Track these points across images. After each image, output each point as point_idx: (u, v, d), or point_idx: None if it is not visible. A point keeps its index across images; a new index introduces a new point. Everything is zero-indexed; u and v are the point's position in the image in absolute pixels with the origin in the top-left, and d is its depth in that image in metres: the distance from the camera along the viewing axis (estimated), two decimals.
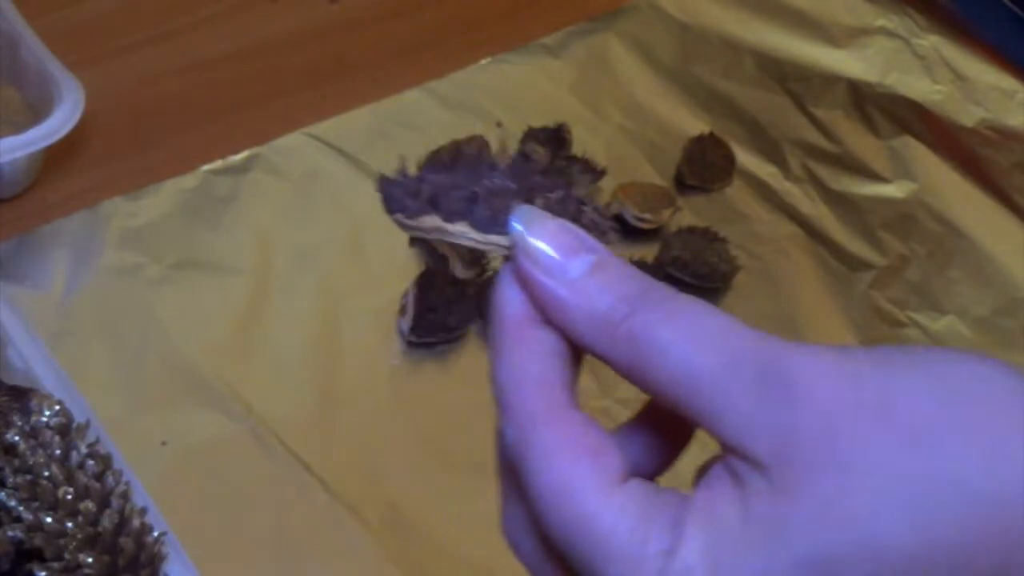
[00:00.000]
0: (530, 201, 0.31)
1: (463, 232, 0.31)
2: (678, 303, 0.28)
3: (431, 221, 0.32)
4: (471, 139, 0.78)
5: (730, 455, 0.28)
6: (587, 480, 0.28)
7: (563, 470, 0.28)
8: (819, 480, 0.26)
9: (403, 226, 0.32)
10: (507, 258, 0.31)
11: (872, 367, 0.27)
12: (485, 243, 0.31)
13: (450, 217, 0.31)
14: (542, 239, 0.30)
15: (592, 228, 0.32)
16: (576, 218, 0.32)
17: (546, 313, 0.30)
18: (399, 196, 0.32)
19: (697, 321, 0.28)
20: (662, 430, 0.32)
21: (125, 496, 0.53)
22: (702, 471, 0.30)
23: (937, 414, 0.26)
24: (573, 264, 0.30)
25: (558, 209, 0.32)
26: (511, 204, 0.31)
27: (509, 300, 0.31)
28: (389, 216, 0.33)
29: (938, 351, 0.28)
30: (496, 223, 0.31)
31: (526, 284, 0.30)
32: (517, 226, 0.31)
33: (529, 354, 0.30)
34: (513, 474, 0.30)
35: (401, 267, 0.73)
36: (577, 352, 0.31)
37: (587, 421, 0.29)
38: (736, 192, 0.81)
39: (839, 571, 0.25)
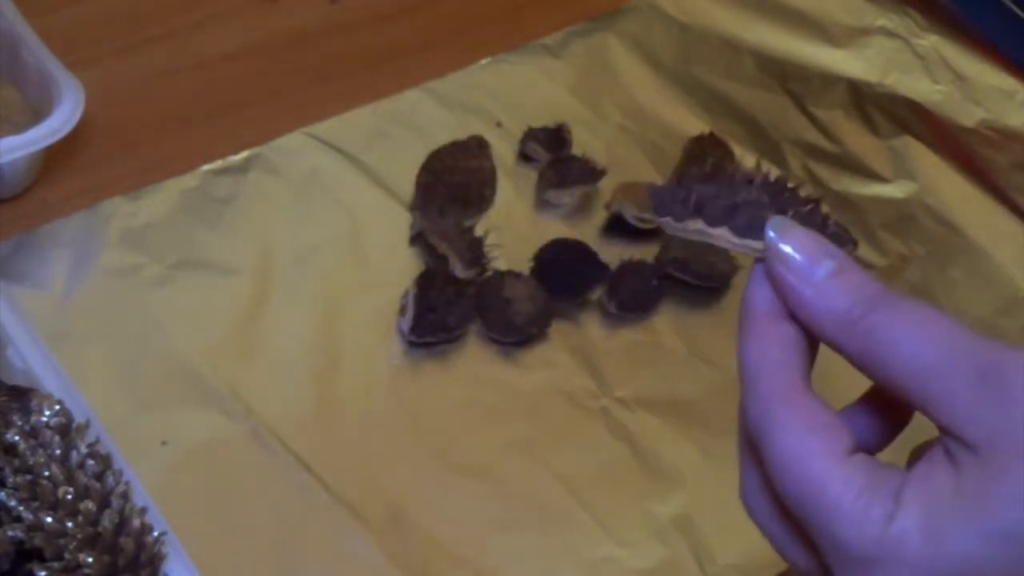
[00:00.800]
0: (782, 213, 0.37)
1: (724, 236, 0.37)
2: (909, 305, 0.33)
3: (695, 225, 0.37)
4: (471, 137, 0.78)
5: (947, 438, 0.32)
6: (819, 451, 0.33)
7: (800, 440, 0.33)
8: (1007, 475, 0.30)
9: (669, 228, 0.38)
10: (758, 260, 0.37)
11: None
12: (743, 247, 0.37)
13: (712, 223, 0.37)
14: (792, 245, 0.35)
15: (835, 239, 0.37)
16: (822, 229, 0.37)
17: (792, 309, 0.35)
18: (669, 203, 0.38)
19: (925, 321, 0.33)
20: (883, 413, 0.37)
21: (125, 496, 0.53)
22: (916, 453, 0.35)
23: None
24: (818, 268, 0.35)
25: (807, 221, 0.37)
26: (766, 214, 0.36)
27: (760, 296, 0.36)
28: (656, 220, 0.38)
29: None
30: (752, 230, 0.36)
31: (776, 283, 0.35)
32: (771, 233, 0.36)
33: (773, 343, 0.35)
34: (752, 447, 0.36)
35: (401, 267, 0.73)
36: (813, 344, 0.36)
37: (820, 402, 0.34)
38: None
39: None
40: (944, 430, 0.32)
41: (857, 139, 0.84)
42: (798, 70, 0.87)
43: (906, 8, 0.92)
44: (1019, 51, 0.88)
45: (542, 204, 0.78)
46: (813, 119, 0.85)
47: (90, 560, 0.50)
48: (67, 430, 0.54)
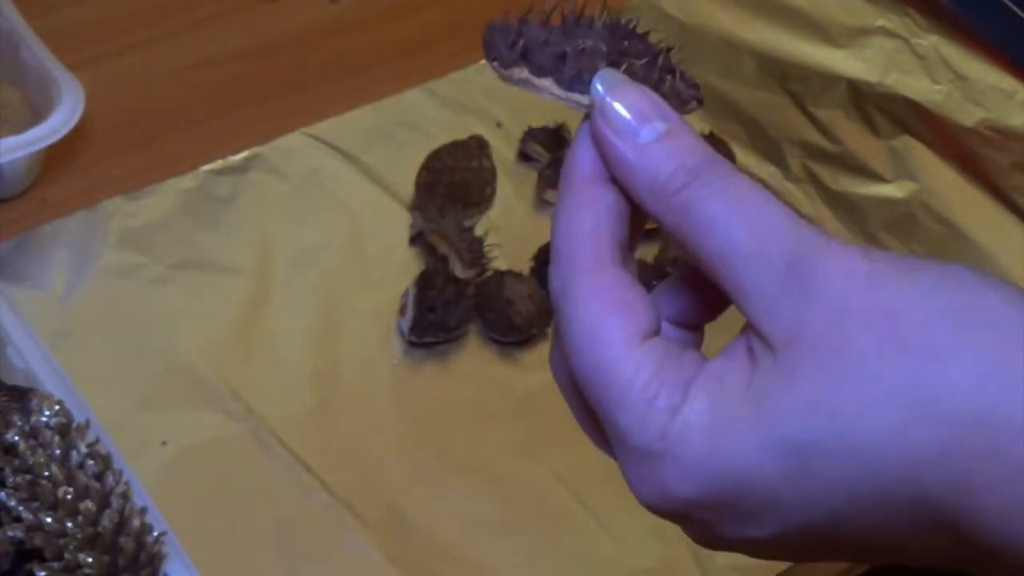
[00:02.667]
0: (616, 65, 0.33)
1: (548, 87, 0.33)
2: (733, 182, 0.30)
3: (520, 74, 0.34)
4: (471, 137, 0.79)
5: (751, 331, 0.29)
6: (614, 332, 0.30)
7: (593, 319, 0.31)
8: (817, 371, 0.27)
9: (498, 74, 0.34)
10: (587, 116, 0.33)
11: (892, 275, 0.28)
12: (567, 99, 0.33)
13: (539, 72, 0.33)
14: (619, 102, 0.32)
15: (672, 96, 0.33)
16: (657, 86, 0.33)
17: (613, 171, 0.32)
18: (498, 45, 0.34)
19: (745, 201, 0.30)
20: (703, 292, 0.34)
21: (125, 496, 0.53)
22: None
23: (941, 330, 0.27)
24: (645, 129, 0.31)
25: (641, 75, 0.33)
26: (597, 65, 0.33)
27: (581, 157, 0.33)
28: (488, 63, 0.34)
29: (961, 270, 0.28)
30: (580, 82, 0.33)
31: (598, 142, 0.32)
32: (598, 87, 0.32)
33: (588, 208, 0.32)
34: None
35: (401, 267, 0.73)
36: (639, 216, 0.33)
37: (627, 278, 0.32)
38: None
39: (813, 457, 0.27)
40: (749, 323, 0.29)
41: (857, 139, 0.84)
42: (798, 70, 0.87)
43: (906, 8, 0.91)
44: (1019, 51, 0.88)
45: (542, 204, 0.78)
46: (813, 119, 0.85)
47: (90, 560, 0.50)
48: (67, 430, 0.54)
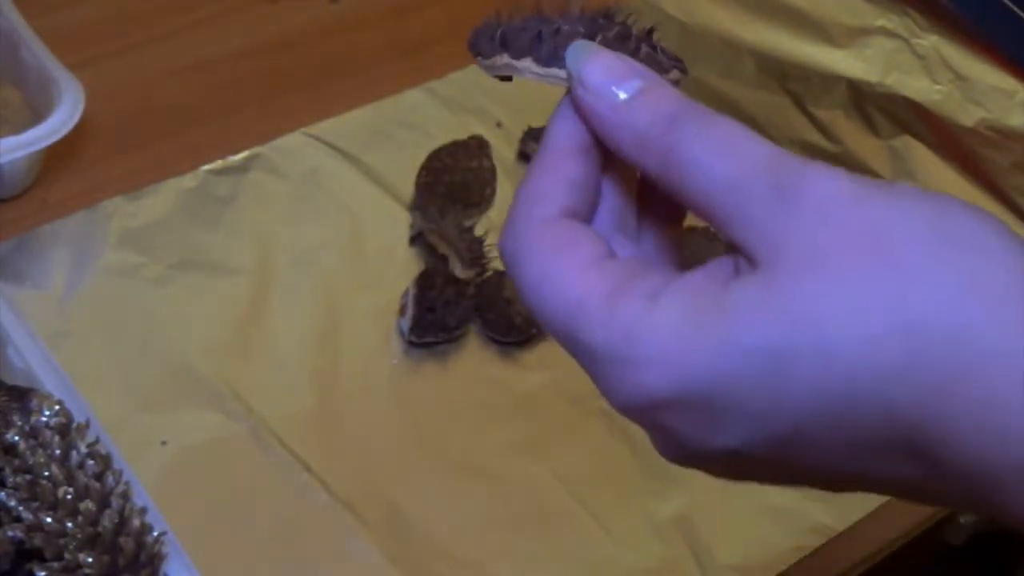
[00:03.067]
0: (590, 38, 0.34)
1: (527, 67, 0.34)
2: (712, 121, 0.30)
3: (501, 60, 0.35)
4: (471, 137, 0.79)
5: (737, 254, 0.30)
6: (565, 265, 0.31)
7: (545, 259, 0.31)
8: (799, 282, 0.28)
9: (483, 67, 0.36)
10: (568, 92, 0.34)
11: (880, 197, 0.28)
12: (546, 76, 0.34)
13: (518, 54, 0.35)
14: (594, 66, 0.32)
15: (649, 62, 0.34)
16: (633, 53, 0.34)
17: (595, 131, 0.32)
18: (480, 41, 0.36)
19: (728, 136, 0.30)
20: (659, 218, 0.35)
21: (125, 496, 0.53)
22: None
23: (923, 249, 0.27)
24: (621, 88, 0.32)
25: (615, 45, 0.34)
26: (572, 41, 0.34)
27: (558, 131, 0.33)
28: (473, 56, 0.36)
29: (950, 200, 0.29)
30: (557, 58, 0.34)
31: (580, 110, 0.32)
32: (573, 56, 0.33)
33: (549, 175, 0.33)
34: None
35: (401, 267, 0.73)
36: (622, 188, 0.34)
37: (575, 226, 0.32)
38: None
39: (788, 364, 0.27)
40: (735, 246, 0.30)
41: (857, 139, 0.84)
42: (798, 70, 0.87)
43: (906, 8, 0.91)
44: (1019, 51, 0.88)
45: None
46: (813, 119, 0.85)
47: (90, 560, 0.50)
48: (67, 430, 0.54)
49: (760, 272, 0.28)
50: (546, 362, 0.70)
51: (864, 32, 0.90)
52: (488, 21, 0.36)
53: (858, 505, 0.67)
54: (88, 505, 0.51)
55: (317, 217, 0.75)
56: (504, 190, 0.78)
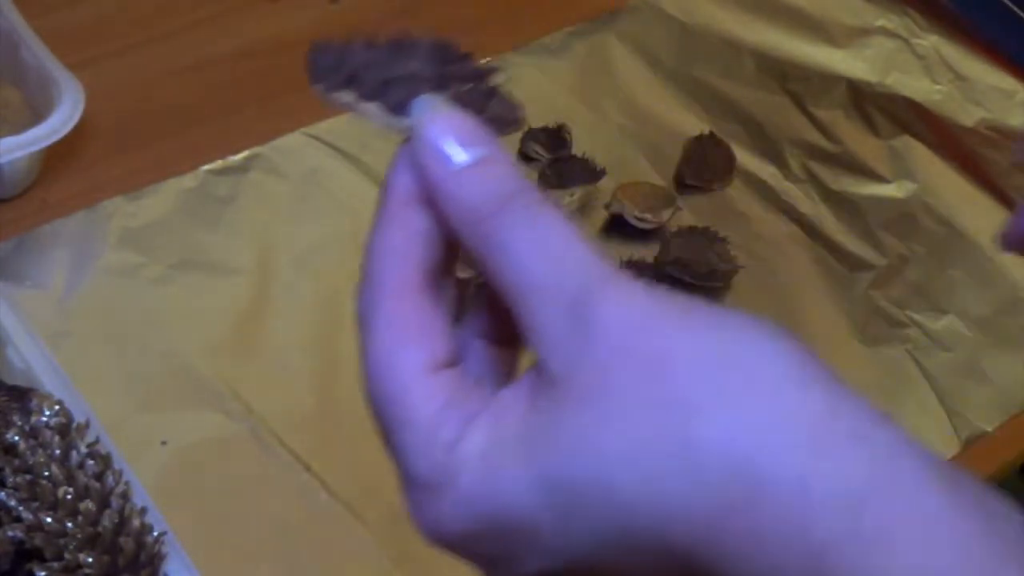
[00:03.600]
0: (441, 89, 0.33)
1: (373, 113, 0.34)
2: (536, 212, 0.30)
3: (346, 97, 0.34)
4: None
5: (539, 364, 0.29)
6: (407, 363, 0.31)
7: (389, 347, 0.31)
8: (585, 412, 0.28)
9: (322, 98, 0.34)
10: (407, 139, 0.33)
11: (668, 319, 0.28)
12: (391, 125, 0.33)
13: (364, 96, 0.33)
14: (438, 127, 0.32)
15: (495, 119, 0.33)
16: (481, 110, 0.33)
17: (430, 195, 0.32)
18: (324, 68, 0.34)
19: (548, 233, 0.30)
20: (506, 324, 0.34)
21: (125, 496, 0.53)
22: None
23: (706, 384, 0.27)
24: (460, 155, 0.31)
25: (465, 99, 0.33)
26: (421, 90, 0.33)
27: (401, 180, 0.33)
28: (311, 85, 0.34)
29: (738, 319, 0.29)
30: (404, 108, 0.33)
31: (417, 167, 0.32)
32: (418, 113, 0.32)
33: (400, 230, 0.32)
34: None
35: None
36: (455, 240, 0.33)
37: (429, 305, 0.32)
38: (736, 192, 0.81)
39: (574, 497, 0.28)
40: (536, 355, 0.29)
41: (857, 139, 0.84)
42: (798, 70, 0.87)
43: (906, 8, 0.92)
44: (1019, 51, 0.88)
45: None
46: (813, 119, 0.85)
47: (90, 560, 0.50)
48: (67, 430, 0.54)
49: (553, 397, 0.28)
50: None
51: (864, 32, 0.90)
52: (330, 45, 0.34)
53: None
54: (88, 505, 0.51)
55: (317, 217, 0.75)
56: None
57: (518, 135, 0.80)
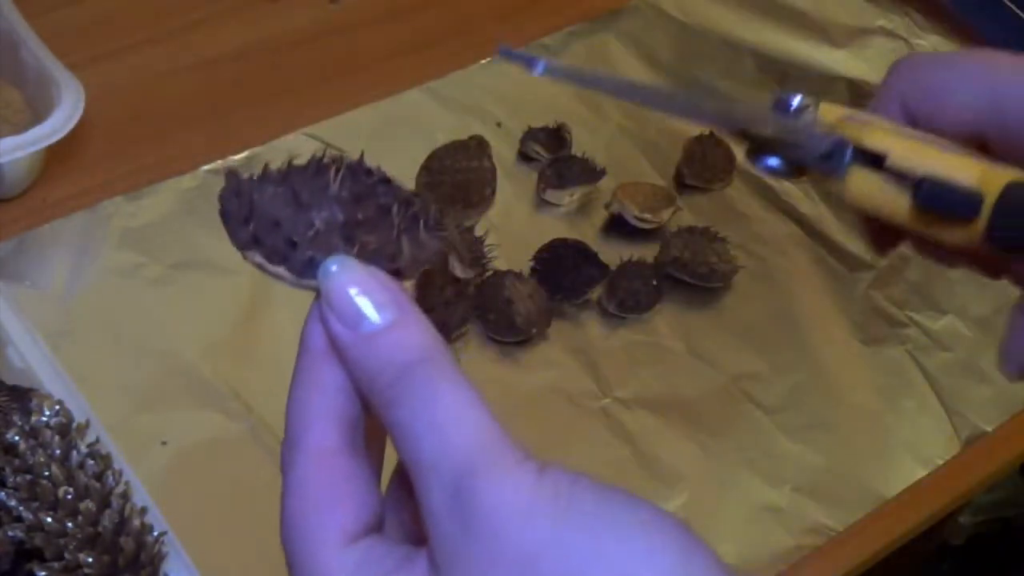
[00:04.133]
0: (351, 239, 0.32)
1: (282, 274, 0.32)
2: (438, 386, 0.30)
3: (254, 258, 0.32)
4: (471, 137, 0.79)
5: (429, 547, 0.30)
6: (318, 529, 0.31)
7: (307, 511, 0.31)
8: None
9: (240, 253, 0.33)
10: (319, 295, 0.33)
11: (548, 515, 0.28)
12: (301, 287, 0.32)
13: (271, 257, 0.32)
14: (343, 291, 0.31)
15: (416, 251, 0.33)
16: (394, 258, 0.32)
17: (340, 356, 0.32)
18: (233, 218, 0.33)
19: (446, 410, 0.30)
20: None
21: (125, 496, 0.53)
22: None
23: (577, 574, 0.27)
24: (367, 319, 0.31)
25: (376, 247, 0.32)
26: (331, 244, 0.32)
27: (313, 333, 0.32)
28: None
29: (627, 519, 0.29)
30: (312, 267, 0.32)
31: (326, 328, 0.32)
32: (323, 278, 0.32)
33: (317, 387, 0.32)
34: None
35: None
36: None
37: (351, 467, 0.32)
38: (736, 192, 0.81)
39: None
40: (428, 536, 0.30)
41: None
42: (798, 70, 0.87)
43: (906, 8, 0.92)
44: (1019, 51, 0.88)
45: (542, 204, 0.78)
46: None
47: (90, 560, 0.50)
48: (67, 430, 0.54)
49: None
50: (546, 362, 0.70)
51: (864, 32, 0.90)
52: (239, 184, 0.33)
53: (858, 505, 0.67)
54: (88, 505, 0.51)
55: None
56: (504, 190, 0.78)
57: (517, 135, 0.80)
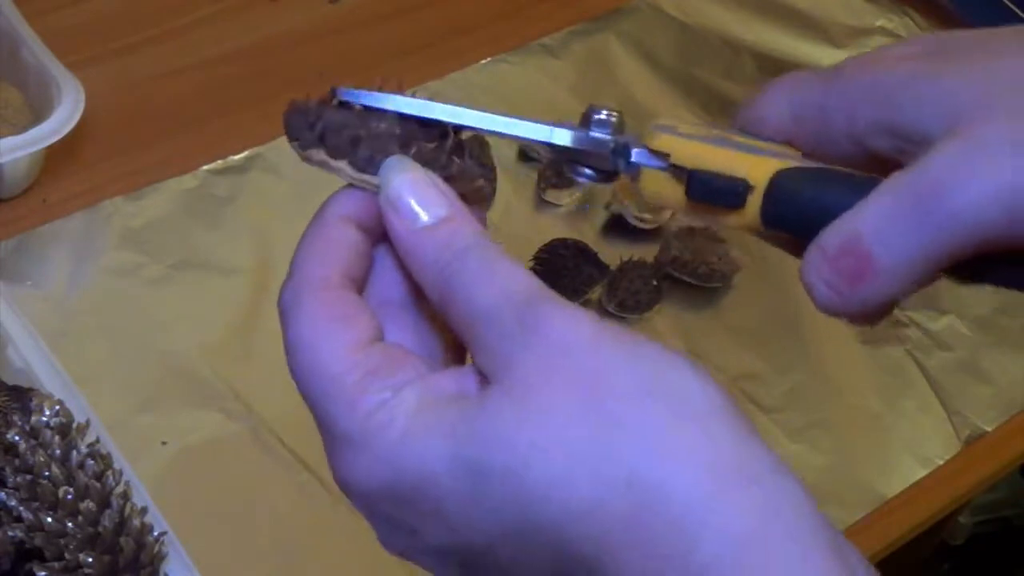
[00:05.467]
0: (407, 146, 0.35)
1: (343, 169, 0.35)
2: (491, 260, 0.32)
3: (318, 155, 0.35)
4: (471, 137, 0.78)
5: (480, 366, 0.32)
6: (334, 339, 0.33)
7: (317, 327, 0.33)
8: (514, 408, 0.29)
9: (298, 154, 0.36)
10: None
11: (611, 343, 0.30)
12: (360, 181, 0.35)
13: (334, 153, 0.35)
14: (403, 188, 0.34)
15: (461, 177, 0.35)
16: (446, 167, 0.35)
17: (395, 247, 0.34)
18: (298, 126, 0.36)
19: (491, 272, 0.32)
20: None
21: (125, 496, 0.53)
22: None
23: (632, 406, 0.29)
24: (422, 214, 0.34)
25: (429, 157, 0.35)
26: (389, 148, 0.35)
27: (342, 201, 0.35)
28: (288, 142, 0.36)
29: (674, 362, 0.30)
30: (372, 164, 0.35)
31: (384, 222, 0.34)
32: (385, 172, 0.35)
33: (329, 238, 0.35)
34: None
35: None
36: (398, 266, 0.35)
37: (351, 296, 0.34)
38: None
39: (483, 483, 0.29)
40: (480, 370, 0.32)
41: None
42: (798, 70, 0.87)
43: (906, 8, 0.92)
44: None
45: (542, 204, 0.78)
46: None
47: (90, 560, 0.50)
48: (67, 430, 0.54)
49: (488, 390, 0.30)
50: None
51: (864, 32, 0.90)
52: (306, 105, 0.36)
53: (858, 505, 0.67)
54: (88, 505, 0.51)
55: None
56: (504, 190, 0.78)
57: None
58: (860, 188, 0.33)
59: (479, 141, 0.37)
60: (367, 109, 0.36)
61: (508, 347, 0.30)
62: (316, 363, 0.33)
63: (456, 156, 0.36)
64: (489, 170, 0.36)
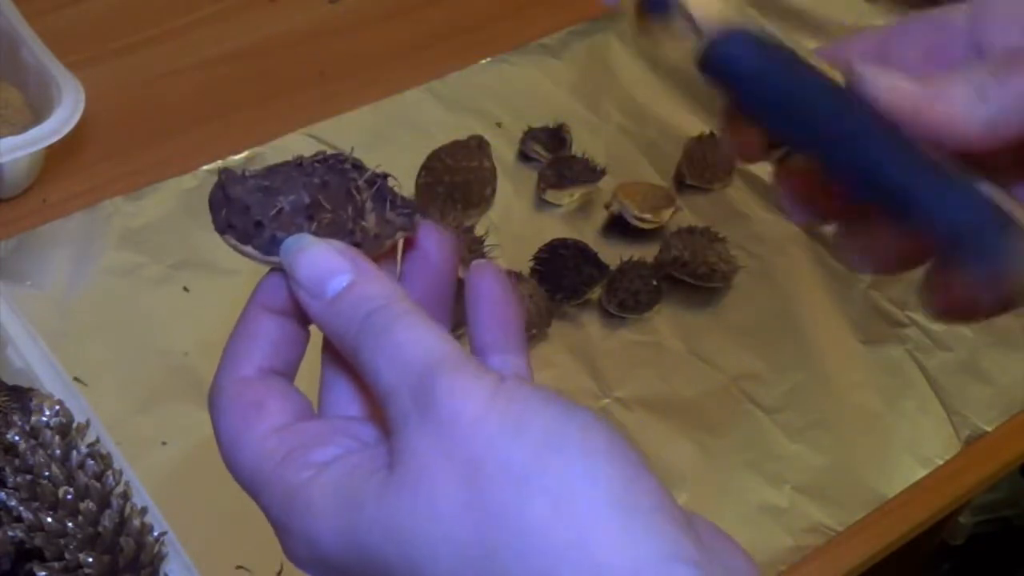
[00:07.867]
0: (312, 218, 0.35)
1: (251, 253, 0.36)
2: (395, 322, 0.33)
3: (229, 240, 0.36)
4: (471, 137, 0.79)
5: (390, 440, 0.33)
6: (250, 433, 0.35)
7: (235, 424, 0.36)
8: (402, 498, 0.30)
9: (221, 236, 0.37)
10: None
11: (494, 424, 0.30)
12: (269, 264, 0.36)
13: (242, 238, 0.36)
14: (305, 265, 0.35)
15: (381, 227, 0.36)
16: (351, 232, 0.36)
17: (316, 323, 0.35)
18: (214, 210, 0.36)
19: (397, 342, 0.32)
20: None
21: (125, 496, 0.53)
22: None
23: (513, 495, 0.29)
24: (328, 285, 0.34)
25: (334, 227, 0.36)
26: (295, 224, 0.35)
27: (264, 290, 0.36)
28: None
29: (560, 426, 0.30)
30: (275, 245, 0.35)
31: (297, 300, 0.35)
32: (286, 255, 0.35)
33: (246, 334, 0.37)
34: None
35: None
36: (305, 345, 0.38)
37: (270, 389, 0.36)
38: (736, 192, 0.81)
39: (378, 569, 0.31)
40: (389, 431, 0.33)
41: None
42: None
43: (905, 8, 0.92)
44: None
45: (542, 204, 0.78)
46: None
47: (90, 560, 0.50)
48: (67, 430, 0.54)
49: (387, 474, 0.31)
50: (546, 362, 0.70)
51: None
52: (220, 184, 0.36)
53: (858, 505, 0.67)
54: (88, 505, 0.51)
55: None
56: (504, 190, 0.78)
57: (517, 135, 0.80)
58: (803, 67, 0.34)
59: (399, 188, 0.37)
60: (280, 178, 0.36)
61: (403, 426, 0.31)
62: (237, 456, 0.36)
63: (373, 213, 0.36)
64: (412, 212, 0.36)
